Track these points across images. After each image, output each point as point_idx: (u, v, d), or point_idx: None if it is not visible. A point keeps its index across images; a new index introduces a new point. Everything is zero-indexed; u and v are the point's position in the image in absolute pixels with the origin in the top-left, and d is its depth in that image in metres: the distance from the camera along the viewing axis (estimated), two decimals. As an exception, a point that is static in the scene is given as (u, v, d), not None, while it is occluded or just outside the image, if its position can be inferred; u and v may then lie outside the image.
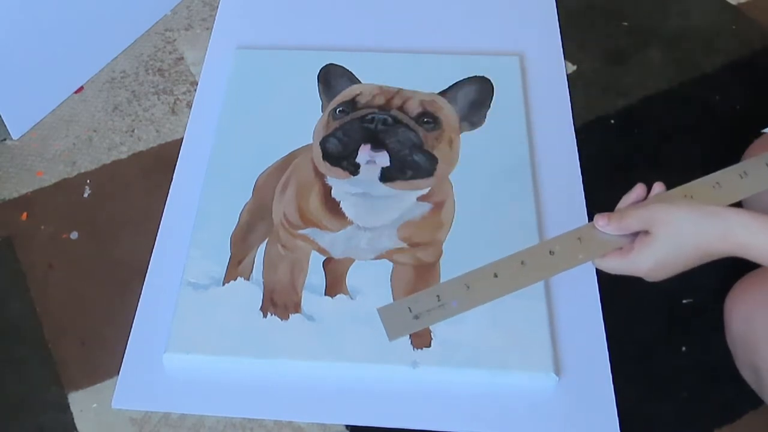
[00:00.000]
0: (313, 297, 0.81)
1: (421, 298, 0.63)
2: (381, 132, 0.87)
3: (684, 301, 0.82)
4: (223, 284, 0.82)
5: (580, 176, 0.91)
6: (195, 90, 1.01)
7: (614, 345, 0.78)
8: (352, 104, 0.91)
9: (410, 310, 0.62)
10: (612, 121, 0.98)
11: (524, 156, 0.91)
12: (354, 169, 0.87)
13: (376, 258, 0.83)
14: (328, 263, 0.83)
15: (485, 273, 0.62)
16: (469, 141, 0.91)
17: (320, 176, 0.88)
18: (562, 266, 0.61)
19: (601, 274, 0.83)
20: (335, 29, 1.07)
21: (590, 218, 0.87)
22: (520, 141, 0.93)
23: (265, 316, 0.79)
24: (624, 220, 0.60)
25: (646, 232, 0.59)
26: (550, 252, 0.61)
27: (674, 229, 0.58)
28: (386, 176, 0.86)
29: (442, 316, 0.62)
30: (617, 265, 0.61)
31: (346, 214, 0.85)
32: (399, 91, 0.93)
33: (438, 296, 0.62)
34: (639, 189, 0.63)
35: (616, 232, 0.61)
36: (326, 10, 1.10)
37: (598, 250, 0.60)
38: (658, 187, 0.63)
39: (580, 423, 0.74)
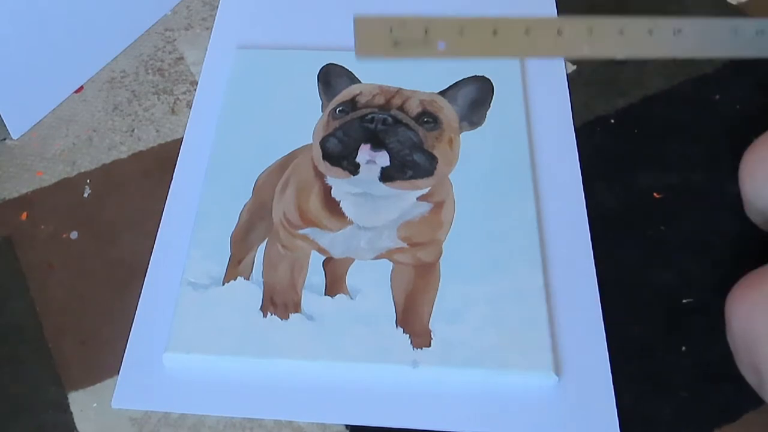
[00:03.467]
0: (313, 297, 0.81)
1: (408, 23, 0.54)
2: (381, 132, 0.87)
3: (684, 301, 0.82)
4: (223, 284, 0.82)
5: (580, 176, 0.91)
6: (195, 90, 1.01)
7: (614, 345, 0.78)
8: (352, 104, 0.91)
9: (391, 31, 0.54)
10: (612, 121, 0.98)
11: (524, 156, 0.91)
12: (354, 169, 0.87)
13: (376, 258, 0.83)
14: (328, 263, 0.83)
15: (483, 25, 0.55)
16: (469, 141, 0.91)
17: (320, 176, 0.88)
18: (564, 52, 0.55)
19: (599, 274, 0.84)
20: (335, 29, 1.07)
21: (590, 218, 0.88)
22: (520, 141, 0.93)
23: (265, 315, 0.79)
24: None
25: None
26: (558, 32, 0.54)
27: None
28: (386, 176, 0.86)
29: (423, 54, 0.55)
30: None
31: (346, 214, 0.85)
32: (399, 90, 0.93)
33: (426, 30, 0.54)
34: None
35: None
36: (326, 10, 1.10)
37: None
38: None
39: (580, 423, 0.74)
